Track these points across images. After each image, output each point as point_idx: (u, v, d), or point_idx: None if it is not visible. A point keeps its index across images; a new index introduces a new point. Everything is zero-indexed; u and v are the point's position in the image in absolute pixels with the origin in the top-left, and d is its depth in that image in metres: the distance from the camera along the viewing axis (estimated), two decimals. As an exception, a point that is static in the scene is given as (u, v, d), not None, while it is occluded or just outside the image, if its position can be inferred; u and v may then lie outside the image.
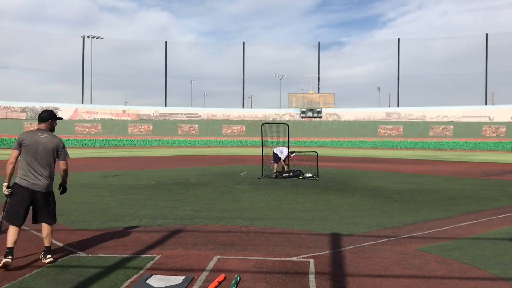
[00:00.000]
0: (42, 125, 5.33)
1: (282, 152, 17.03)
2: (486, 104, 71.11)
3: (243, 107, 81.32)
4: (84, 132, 66.30)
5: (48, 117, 5.35)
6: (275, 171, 16.89)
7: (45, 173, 5.16)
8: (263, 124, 18.05)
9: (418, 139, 66.77)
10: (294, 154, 17.55)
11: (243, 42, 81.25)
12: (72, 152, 40.12)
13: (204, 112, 77.32)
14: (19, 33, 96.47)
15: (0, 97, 67.64)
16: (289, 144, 17.91)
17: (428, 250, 5.93)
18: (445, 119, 70.26)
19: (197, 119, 75.35)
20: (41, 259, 5.17)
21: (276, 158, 17.04)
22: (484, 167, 24.14)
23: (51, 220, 5.29)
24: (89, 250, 5.81)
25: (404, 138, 68.18)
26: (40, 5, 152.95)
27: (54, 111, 5.65)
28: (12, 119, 64.50)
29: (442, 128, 68.76)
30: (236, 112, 77.51)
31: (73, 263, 5.22)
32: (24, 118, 65.59)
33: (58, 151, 5.30)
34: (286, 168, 17.01)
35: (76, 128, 65.50)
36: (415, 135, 67.97)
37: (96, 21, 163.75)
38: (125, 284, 4.49)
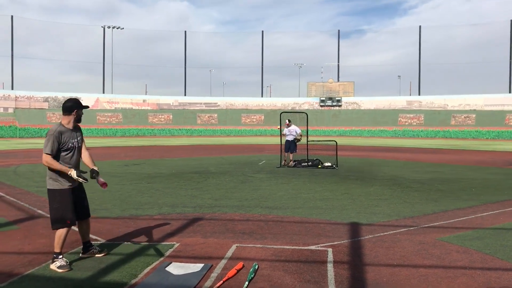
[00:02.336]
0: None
1: (292, 132, 16.65)
2: (510, 92, 69.37)
3: (262, 96, 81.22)
4: (106, 122, 67.13)
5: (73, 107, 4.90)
6: (291, 159, 16.71)
7: None
8: (282, 113, 18.01)
9: (439, 128, 65.77)
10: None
11: (262, 31, 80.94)
12: (93, 141, 40.73)
13: (223, 101, 77.42)
14: (42, 25, 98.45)
15: (24, 87, 68.88)
16: (308, 133, 17.77)
17: (449, 240, 5.86)
18: (467, 108, 68.95)
19: (216, 108, 75.52)
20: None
21: (292, 147, 16.70)
22: (508, 157, 23.67)
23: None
24: (110, 237, 5.91)
25: (425, 127, 67.24)
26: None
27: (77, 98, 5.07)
28: (35, 108, 65.64)
29: (464, 117, 67.53)
30: (255, 101, 77.40)
31: (94, 250, 5.30)
32: (47, 107, 66.68)
33: None
34: (299, 138, 16.66)
35: (97, 117, 66.38)
36: (437, 124, 66.93)
37: (116, 11, 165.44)
38: (145, 271, 4.56)
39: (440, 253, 5.26)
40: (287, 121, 16.96)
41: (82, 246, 5.13)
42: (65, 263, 4.65)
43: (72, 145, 4.87)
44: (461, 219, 7.27)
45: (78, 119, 4.95)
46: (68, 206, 4.76)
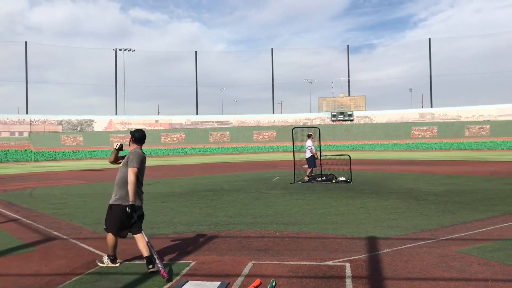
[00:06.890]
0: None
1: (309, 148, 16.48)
2: (525, 101, 68.57)
3: (273, 112, 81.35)
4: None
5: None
6: (308, 174, 16.55)
7: None
8: (293, 128, 17.97)
9: (453, 140, 65.08)
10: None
11: (272, 49, 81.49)
12: (106, 162, 41.02)
13: (235, 119, 77.67)
14: (56, 49, 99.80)
15: (38, 111, 69.95)
16: (321, 148, 17.68)
17: (469, 252, 5.75)
18: (481, 119, 68.24)
19: (228, 126, 75.76)
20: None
21: (312, 162, 16.56)
22: (525, 166, 23.28)
23: None
24: (126, 257, 5.90)
25: (438, 139, 66.58)
26: (76, 21, 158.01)
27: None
28: (49, 132, 66.47)
29: (478, 128, 66.78)
30: (266, 118, 77.52)
31: (111, 270, 5.30)
32: (61, 130, 67.50)
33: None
34: (316, 155, 16.46)
35: (110, 139, 66.91)
36: (450, 136, 66.27)
37: (129, 34, 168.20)
38: (162, 290, 4.53)
39: (460, 265, 5.16)
40: (311, 134, 16.83)
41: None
42: (105, 260, 5.45)
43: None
44: (480, 230, 7.14)
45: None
46: (112, 218, 5.38)
